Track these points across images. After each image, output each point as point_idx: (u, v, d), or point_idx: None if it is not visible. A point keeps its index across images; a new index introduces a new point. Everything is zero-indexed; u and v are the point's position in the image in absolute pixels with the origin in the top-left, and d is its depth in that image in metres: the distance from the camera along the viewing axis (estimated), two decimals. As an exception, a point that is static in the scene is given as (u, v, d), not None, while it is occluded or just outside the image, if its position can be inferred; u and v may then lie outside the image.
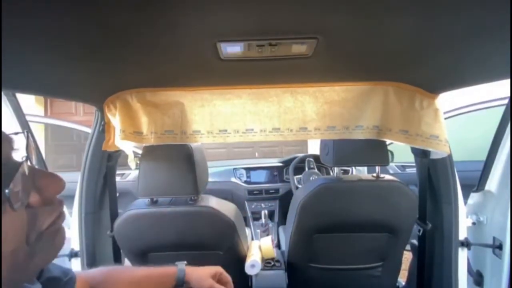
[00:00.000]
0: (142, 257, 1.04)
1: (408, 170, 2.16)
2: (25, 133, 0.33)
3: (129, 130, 0.89)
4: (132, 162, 1.01)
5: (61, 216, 0.33)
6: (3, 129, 0.30)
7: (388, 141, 1.03)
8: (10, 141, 0.30)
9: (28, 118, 1.18)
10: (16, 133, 0.30)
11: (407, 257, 1.26)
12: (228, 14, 0.42)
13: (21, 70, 0.58)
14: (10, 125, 1.10)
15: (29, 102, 3.70)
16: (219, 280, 0.68)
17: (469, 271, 1.07)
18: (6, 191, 0.26)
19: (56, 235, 0.33)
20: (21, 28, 0.41)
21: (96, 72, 0.67)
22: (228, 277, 0.70)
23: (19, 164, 0.29)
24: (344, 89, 0.89)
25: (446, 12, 0.41)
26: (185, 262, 0.68)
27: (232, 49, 0.54)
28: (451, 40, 0.51)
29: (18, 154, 0.30)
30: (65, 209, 0.35)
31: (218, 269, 0.70)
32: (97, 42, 0.49)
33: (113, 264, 1.08)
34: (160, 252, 1.02)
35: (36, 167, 0.32)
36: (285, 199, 1.99)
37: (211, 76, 0.76)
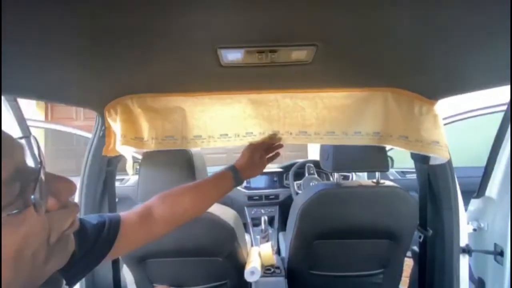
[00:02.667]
0: (140, 263, 1.03)
1: (408, 176, 2.16)
2: (33, 138, 0.34)
3: (130, 135, 0.89)
4: (130, 168, 1.00)
5: (75, 222, 0.34)
6: (8, 134, 0.30)
7: (388, 147, 1.03)
8: (23, 147, 0.30)
9: (29, 123, 1.18)
10: (21, 138, 0.31)
11: (408, 264, 1.25)
12: (228, 21, 0.42)
13: (22, 75, 0.58)
14: (11, 130, 1.10)
15: (30, 107, 3.71)
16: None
17: (471, 278, 1.06)
18: (32, 197, 0.28)
19: (68, 241, 0.34)
20: (22, 33, 0.41)
21: (97, 77, 0.67)
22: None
23: (38, 170, 0.29)
24: (343, 95, 0.89)
25: (444, 18, 0.41)
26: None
27: (232, 55, 0.54)
28: (450, 46, 0.52)
29: (29, 159, 0.31)
30: None
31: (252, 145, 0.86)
32: (97, 47, 0.49)
33: (111, 272, 1.07)
34: (159, 258, 1.01)
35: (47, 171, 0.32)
36: (285, 205, 1.98)
37: (212, 81, 0.76)
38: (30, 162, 0.31)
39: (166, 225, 0.66)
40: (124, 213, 0.61)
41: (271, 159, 0.89)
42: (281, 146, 0.92)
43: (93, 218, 0.55)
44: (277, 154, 0.91)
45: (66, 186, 0.33)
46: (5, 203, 0.26)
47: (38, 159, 0.32)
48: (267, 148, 0.88)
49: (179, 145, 0.92)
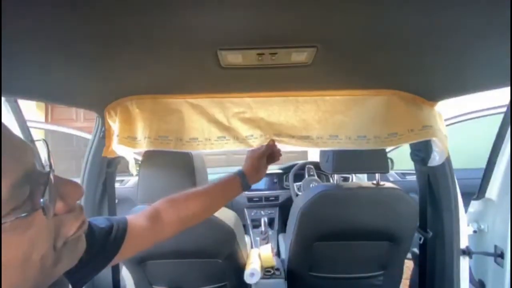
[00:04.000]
0: (140, 265, 1.03)
1: (408, 178, 2.15)
2: (44, 141, 0.34)
3: (123, 134, 0.89)
4: (133, 168, 1.01)
5: (84, 224, 0.33)
6: (18, 137, 0.30)
7: (388, 148, 1.02)
8: (32, 150, 0.30)
9: (29, 124, 1.19)
10: (32, 141, 0.31)
11: (409, 266, 1.25)
12: (229, 23, 0.43)
13: (23, 76, 0.59)
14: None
15: (30, 108, 3.72)
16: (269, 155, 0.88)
17: (471, 280, 1.06)
18: (41, 200, 0.27)
19: (78, 242, 0.33)
20: (24, 35, 0.41)
21: (97, 78, 0.68)
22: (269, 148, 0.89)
23: (48, 173, 0.29)
24: (345, 98, 0.87)
25: (444, 20, 0.42)
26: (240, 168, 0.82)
27: (232, 57, 0.54)
28: (450, 48, 0.52)
29: (38, 162, 0.31)
30: None
31: (257, 150, 0.87)
32: (98, 49, 0.49)
33: (110, 273, 1.07)
34: (159, 260, 1.01)
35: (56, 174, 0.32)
36: (285, 207, 1.98)
37: (212, 83, 0.76)
38: (39, 165, 0.31)
39: (173, 229, 0.66)
40: (131, 216, 0.61)
41: (271, 161, 0.90)
42: (280, 154, 0.93)
43: (100, 222, 0.55)
44: (277, 159, 0.93)
45: (74, 190, 0.32)
46: (14, 206, 0.26)
47: (48, 162, 0.32)
48: (270, 153, 0.89)
49: (172, 146, 0.89)
